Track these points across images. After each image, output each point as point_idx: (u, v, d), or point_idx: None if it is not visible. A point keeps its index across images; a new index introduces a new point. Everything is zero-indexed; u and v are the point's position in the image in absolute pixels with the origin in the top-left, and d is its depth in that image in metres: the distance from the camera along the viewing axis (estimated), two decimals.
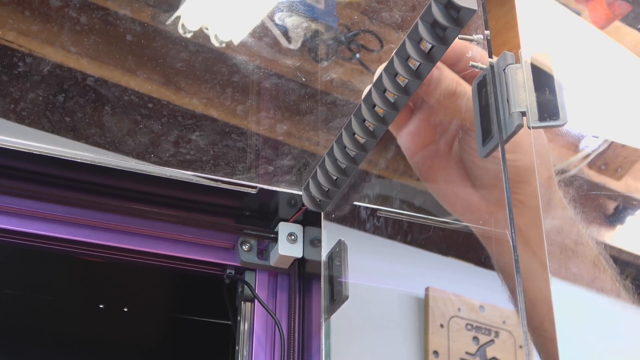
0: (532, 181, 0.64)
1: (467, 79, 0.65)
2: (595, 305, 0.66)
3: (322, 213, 0.81)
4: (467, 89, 0.64)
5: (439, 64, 0.64)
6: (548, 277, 0.60)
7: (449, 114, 0.67)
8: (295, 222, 0.86)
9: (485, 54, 0.62)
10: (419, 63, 0.63)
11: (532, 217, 0.65)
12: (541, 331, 0.64)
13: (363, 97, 0.68)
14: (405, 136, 0.70)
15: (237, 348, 0.84)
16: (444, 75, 0.64)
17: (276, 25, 1.13)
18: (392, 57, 0.64)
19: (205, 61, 1.19)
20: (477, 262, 0.72)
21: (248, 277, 0.86)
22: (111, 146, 1.11)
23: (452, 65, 0.65)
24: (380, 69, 0.66)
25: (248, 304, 0.86)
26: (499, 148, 0.58)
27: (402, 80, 0.64)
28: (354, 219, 0.94)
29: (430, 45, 0.62)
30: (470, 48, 0.65)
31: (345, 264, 0.77)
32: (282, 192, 0.85)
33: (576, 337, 0.57)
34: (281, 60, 1.13)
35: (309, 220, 0.85)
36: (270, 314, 0.84)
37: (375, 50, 1.27)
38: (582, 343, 0.57)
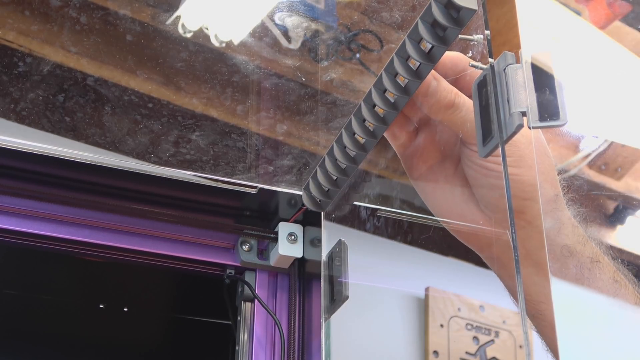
0: (537, 198, 0.62)
1: (466, 80, 0.64)
2: (613, 318, 0.64)
3: (322, 213, 0.81)
4: (465, 100, 0.63)
5: (437, 76, 0.64)
6: None
7: (449, 128, 0.66)
8: (295, 222, 0.86)
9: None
10: (419, 63, 0.63)
11: (541, 239, 0.63)
12: None
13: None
14: (409, 156, 0.69)
15: (237, 348, 0.84)
16: (441, 87, 0.63)
17: (276, 25, 1.13)
18: (392, 57, 0.64)
19: (205, 61, 1.19)
20: (477, 262, 0.71)
21: (248, 277, 0.86)
22: (111, 146, 1.11)
23: (452, 67, 0.65)
24: None
25: (248, 304, 0.86)
26: (500, 149, 0.58)
27: (402, 80, 0.64)
28: (354, 219, 0.94)
29: (430, 45, 0.62)
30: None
31: (345, 264, 0.77)
32: (282, 192, 0.85)
33: (581, 347, 0.55)
34: (281, 60, 1.13)
35: (309, 220, 0.85)
36: (270, 314, 0.84)
37: (375, 50, 1.27)
38: (585, 351, 0.56)
